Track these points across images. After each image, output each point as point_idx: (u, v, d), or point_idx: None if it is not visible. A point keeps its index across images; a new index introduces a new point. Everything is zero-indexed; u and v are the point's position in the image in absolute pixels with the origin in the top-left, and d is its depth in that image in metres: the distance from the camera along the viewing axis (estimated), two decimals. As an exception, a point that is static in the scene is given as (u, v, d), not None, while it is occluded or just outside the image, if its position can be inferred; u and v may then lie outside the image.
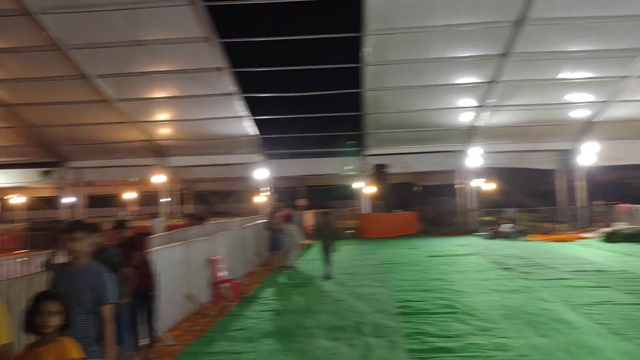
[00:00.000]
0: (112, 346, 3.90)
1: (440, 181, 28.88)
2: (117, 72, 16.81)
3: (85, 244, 3.97)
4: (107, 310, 3.88)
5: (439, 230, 22.65)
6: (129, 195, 30.36)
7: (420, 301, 9.02)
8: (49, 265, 4.75)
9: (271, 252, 14.11)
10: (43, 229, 19.36)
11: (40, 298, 3.46)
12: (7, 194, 28.52)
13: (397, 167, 22.64)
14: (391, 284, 10.92)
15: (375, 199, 23.10)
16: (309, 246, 18.29)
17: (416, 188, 28.44)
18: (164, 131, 21.48)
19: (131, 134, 21.02)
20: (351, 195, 26.03)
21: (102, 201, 31.80)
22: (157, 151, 22.41)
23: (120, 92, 18.06)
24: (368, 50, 15.80)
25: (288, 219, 15.05)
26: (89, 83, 17.11)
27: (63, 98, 18.17)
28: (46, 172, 22.35)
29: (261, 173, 22.79)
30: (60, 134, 20.97)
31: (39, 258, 10.56)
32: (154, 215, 20.49)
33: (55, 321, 3.40)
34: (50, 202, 33.01)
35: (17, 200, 29.43)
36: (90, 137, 21.08)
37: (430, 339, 6.79)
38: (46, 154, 22.21)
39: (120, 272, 6.00)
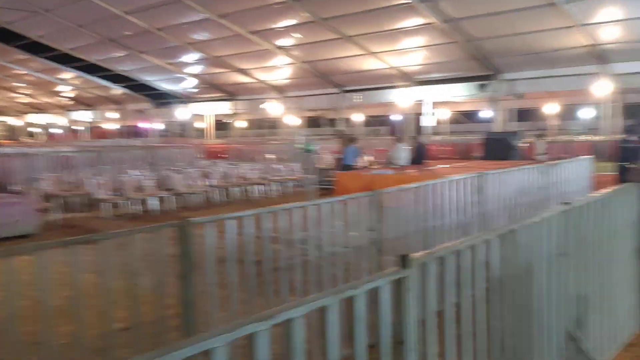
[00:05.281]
0: None
1: None
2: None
3: None
4: None
5: None
6: (551, 108, 28.58)
7: None
8: None
9: None
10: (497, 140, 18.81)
11: None
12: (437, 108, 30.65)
13: None
14: None
15: None
16: None
17: None
18: (610, 34, 18.84)
19: (572, 40, 19.23)
20: None
21: (529, 115, 31.08)
22: (600, 57, 20.01)
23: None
24: None
25: None
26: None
27: (508, 6, 17.66)
28: (482, 86, 22.75)
29: None
30: (499, 45, 20.76)
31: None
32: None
33: None
34: (470, 116, 34.54)
35: (442, 114, 31.47)
36: (528, 46, 20.18)
37: None
38: (482, 67, 22.54)
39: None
